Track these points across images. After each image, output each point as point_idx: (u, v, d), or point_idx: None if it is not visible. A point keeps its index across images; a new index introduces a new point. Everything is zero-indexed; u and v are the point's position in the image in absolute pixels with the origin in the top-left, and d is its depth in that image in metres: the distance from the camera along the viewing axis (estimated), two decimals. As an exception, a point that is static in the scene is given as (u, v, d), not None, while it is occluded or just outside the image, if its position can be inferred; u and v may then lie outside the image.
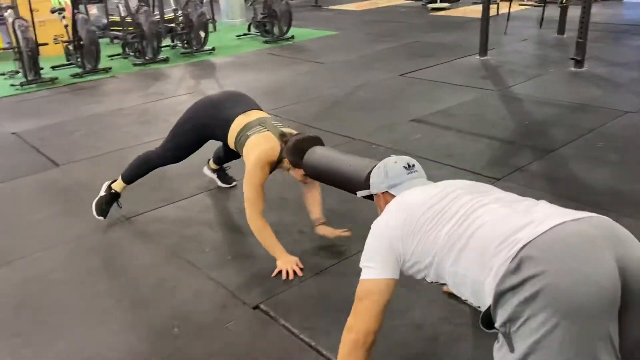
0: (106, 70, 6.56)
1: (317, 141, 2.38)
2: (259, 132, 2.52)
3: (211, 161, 3.32)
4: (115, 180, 2.99)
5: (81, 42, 6.41)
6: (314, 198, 2.69)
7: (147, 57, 6.93)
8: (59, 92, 5.86)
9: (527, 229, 1.26)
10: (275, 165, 2.47)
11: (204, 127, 2.77)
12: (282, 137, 2.44)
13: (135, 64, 6.90)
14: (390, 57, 6.61)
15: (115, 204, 2.99)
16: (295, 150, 2.33)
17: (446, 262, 1.39)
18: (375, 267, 1.54)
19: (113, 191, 2.96)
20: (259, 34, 8.22)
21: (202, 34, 7.36)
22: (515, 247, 1.23)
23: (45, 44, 6.44)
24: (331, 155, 2.19)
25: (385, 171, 1.74)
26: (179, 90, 5.73)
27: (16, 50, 6.09)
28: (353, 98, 5.10)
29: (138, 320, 2.20)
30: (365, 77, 5.76)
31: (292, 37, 8.08)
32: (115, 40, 7.54)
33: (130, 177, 2.96)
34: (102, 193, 2.97)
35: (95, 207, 2.95)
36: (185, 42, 7.48)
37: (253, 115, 2.67)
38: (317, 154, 2.23)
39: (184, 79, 6.28)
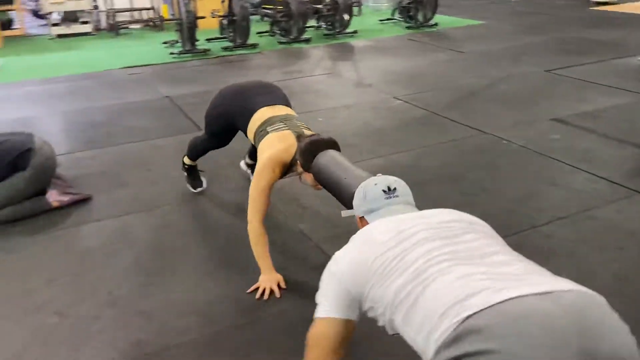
0: (254, 45, 6.96)
1: (332, 145, 2.17)
2: (278, 130, 2.36)
3: (247, 156, 3.22)
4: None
5: (234, 18, 6.85)
6: None
7: (291, 36, 7.23)
8: (209, 63, 6.33)
9: (481, 295, 1.08)
10: (288, 167, 2.30)
11: (228, 114, 2.66)
12: (300, 137, 2.25)
13: (280, 42, 7.23)
14: (538, 51, 6.23)
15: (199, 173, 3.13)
16: (307, 152, 2.14)
17: (397, 319, 1.24)
18: (328, 305, 1.39)
19: (187, 166, 3.08)
20: (402, 19, 8.16)
21: (347, 16, 7.49)
22: (461, 315, 1.07)
23: (203, 17, 6.98)
24: (336, 163, 2.02)
25: (364, 193, 1.58)
26: (316, 70, 5.91)
27: (178, 21, 6.67)
28: (491, 90, 4.90)
29: (253, 278, 2.35)
30: (507, 69, 5.50)
31: (436, 24, 7.92)
32: (265, 18, 7.93)
33: (191, 157, 3.04)
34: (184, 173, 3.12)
35: (188, 185, 3.12)
36: (329, 23, 7.66)
37: (279, 110, 2.52)
38: (325, 159, 2.06)
39: (322, 60, 6.46)
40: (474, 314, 1.05)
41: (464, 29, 7.79)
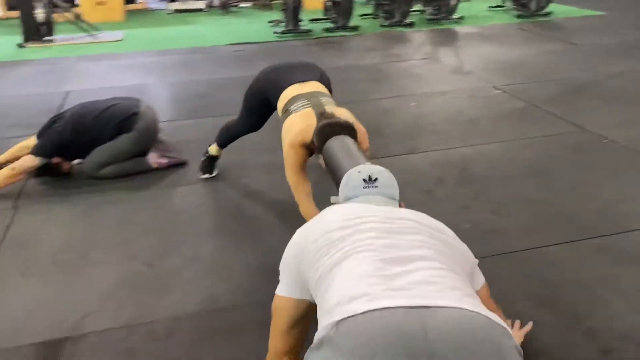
0: (355, 28, 6.98)
1: (348, 130, 2.09)
2: (299, 109, 2.33)
3: None
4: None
5: (339, 0, 6.91)
6: None
7: (394, 20, 7.17)
8: (309, 44, 6.46)
9: (359, 301, 1.05)
10: (311, 146, 2.22)
11: (261, 92, 2.65)
12: (321, 116, 2.20)
13: (382, 25, 7.21)
14: (661, 47, 5.73)
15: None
16: (320, 134, 2.09)
17: (318, 305, 1.23)
18: (282, 282, 1.42)
19: (209, 154, 3.08)
20: (513, 7, 7.80)
21: (453, 1, 7.30)
22: (334, 318, 1.04)
23: (309, -2, 7.12)
24: (343, 150, 1.97)
25: (346, 180, 1.57)
26: (415, 55, 5.83)
27: (284, 1, 6.84)
28: (600, 86, 4.60)
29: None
30: (622, 65, 5.12)
31: (550, 13, 7.49)
32: (370, 1, 7.93)
33: (220, 143, 3.03)
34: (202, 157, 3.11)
35: (199, 169, 3.11)
36: (435, 8, 7.50)
37: (308, 87, 2.47)
38: (335, 143, 2.01)
39: (423, 45, 6.36)
40: (341, 320, 1.02)
41: (580, 20, 7.30)
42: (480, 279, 1.50)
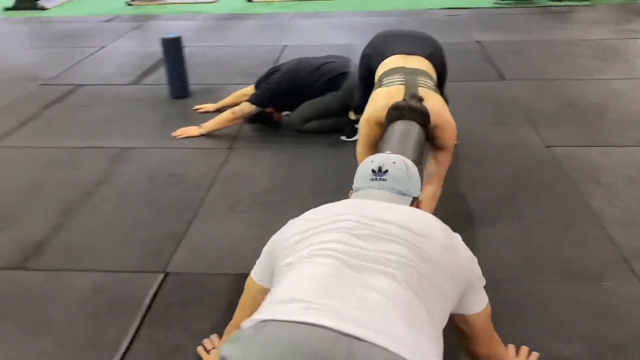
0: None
1: (418, 116, 1.93)
2: (390, 84, 2.15)
3: None
4: None
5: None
6: (424, 194, 2.11)
7: (637, -10, 6.25)
8: (532, 12, 5.96)
9: (289, 307, 1.02)
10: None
11: (368, 57, 2.52)
12: (411, 98, 2.02)
13: (620, -5, 6.34)
14: None
15: None
16: (387, 114, 1.98)
17: None
18: (257, 265, 1.44)
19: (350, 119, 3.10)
20: None
21: None
22: (260, 316, 1.03)
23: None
24: (400, 135, 1.85)
25: (359, 169, 1.46)
26: (658, 32, 5.04)
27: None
28: None
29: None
30: None
31: None
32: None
33: (356, 109, 2.95)
34: None
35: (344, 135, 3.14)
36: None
37: (412, 61, 2.27)
38: (396, 128, 1.90)
39: (670, 21, 5.46)
40: (265, 320, 1.00)
41: None
42: (477, 301, 1.30)
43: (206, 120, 3.31)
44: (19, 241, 2.31)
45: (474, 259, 1.30)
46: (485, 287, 1.33)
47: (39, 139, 3.29)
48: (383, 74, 2.29)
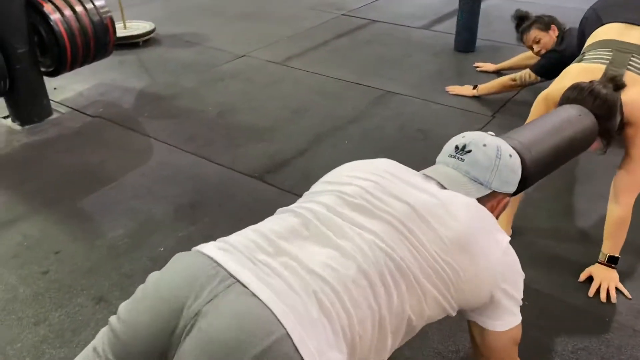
0: None
1: (598, 105, 1.53)
2: (595, 61, 1.78)
3: None
4: None
5: None
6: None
7: None
8: None
9: (215, 243, 1.00)
10: None
11: (584, 20, 2.13)
12: (609, 80, 1.64)
13: None
14: None
15: None
16: (563, 94, 1.63)
17: None
18: None
19: None
20: None
21: None
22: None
23: None
24: (554, 118, 1.50)
25: (449, 142, 1.24)
26: None
27: None
28: None
29: None
30: None
31: None
32: None
33: None
34: None
35: None
36: None
37: (634, 34, 1.82)
38: (556, 112, 1.56)
39: None
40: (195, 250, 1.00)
41: None
42: (497, 317, 1.11)
43: (483, 81, 3.09)
44: (269, 155, 2.55)
45: (511, 275, 1.11)
46: None
47: (320, 66, 3.52)
48: (590, 45, 1.91)
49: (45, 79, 2.92)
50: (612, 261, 1.77)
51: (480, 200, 1.14)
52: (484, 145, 1.18)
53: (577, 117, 1.52)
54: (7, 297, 1.75)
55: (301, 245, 0.98)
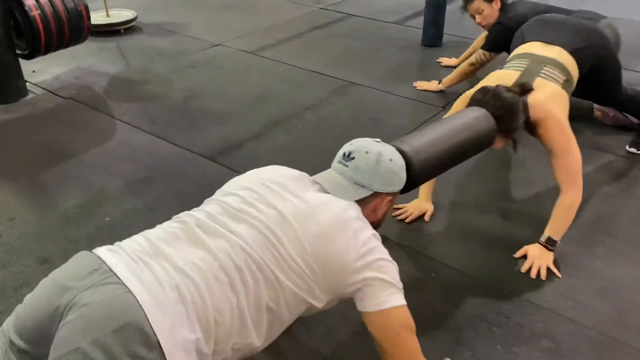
0: None
1: (498, 106, 1.71)
2: (512, 68, 2.02)
3: None
4: None
5: None
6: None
7: None
8: None
9: (107, 246, 1.18)
10: None
11: (515, 36, 2.35)
12: (520, 86, 1.85)
13: None
14: None
15: None
16: (471, 97, 1.82)
17: None
18: None
19: None
20: None
21: None
22: None
23: None
24: (453, 119, 1.66)
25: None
26: None
27: None
28: None
29: None
30: None
31: None
32: None
33: None
34: None
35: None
36: None
37: (549, 51, 2.06)
38: (462, 112, 1.72)
39: None
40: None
41: None
42: (374, 297, 1.20)
43: (447, 74, 3.16)
44: (224, 137, 2.69)
45: (374, 263, 1.21)
46: None
47: (290, 57, 3.65)
48: (512, 57, 2.14)
49: (26, 62, 3.08)
50: (550, 243, 1.88)
51: (363, 200, 1.30)
52: (367, 152, 1.32)
53: (474, 119, 1.67)
54: (-41, 256, 1.91)
55: (177, 247, 1.14)
